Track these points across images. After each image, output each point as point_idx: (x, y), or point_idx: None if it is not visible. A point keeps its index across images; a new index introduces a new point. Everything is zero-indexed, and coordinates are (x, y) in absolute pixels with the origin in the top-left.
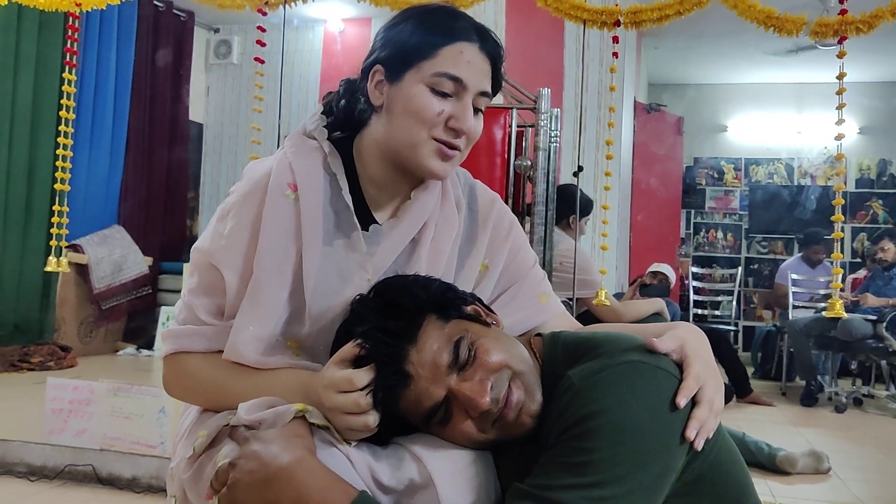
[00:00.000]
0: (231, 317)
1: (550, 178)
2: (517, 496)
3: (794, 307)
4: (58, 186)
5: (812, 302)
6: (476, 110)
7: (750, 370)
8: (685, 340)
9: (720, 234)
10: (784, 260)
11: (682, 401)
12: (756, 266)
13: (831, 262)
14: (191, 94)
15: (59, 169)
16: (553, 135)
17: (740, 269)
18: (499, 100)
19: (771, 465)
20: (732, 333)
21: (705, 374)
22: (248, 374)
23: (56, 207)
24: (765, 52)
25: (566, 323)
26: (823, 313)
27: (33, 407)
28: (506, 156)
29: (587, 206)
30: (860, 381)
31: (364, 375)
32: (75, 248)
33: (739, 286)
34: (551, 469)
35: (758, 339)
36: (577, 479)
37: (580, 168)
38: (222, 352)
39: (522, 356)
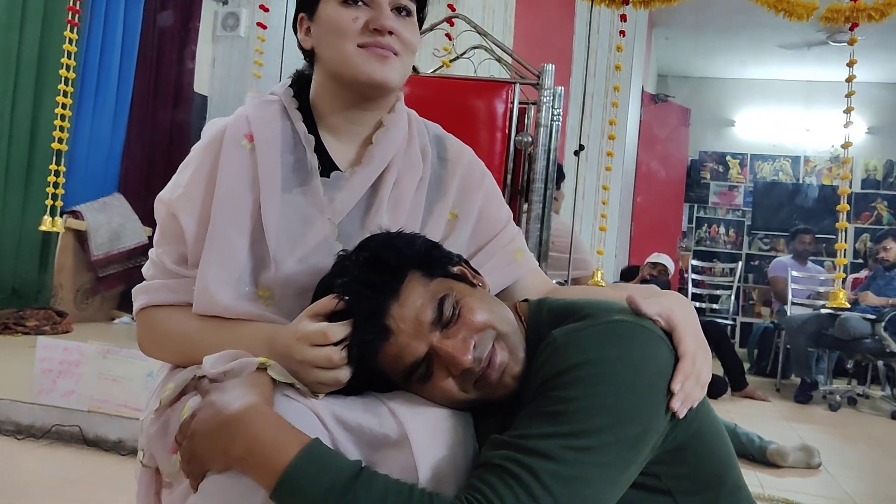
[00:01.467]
0: (195, 264)
1: (551, 156)
2: (494, 446)
3: (793, 304)
4: (55, 146)
5: (810, 300)
6: (404, 11)
7: (745, 366)
8: (672, 310)
9: (722, 230)
10: None
11: (677, 385)
12: (757, 263)
13: (823, 262)
14: (196, 65)
15: (58, 128)
16: (556, 113)
17: (740, 263)
18: (503, 74)
19: (761, 457)
20: (730, 328)
21: (696, 348)
22: (216, 327)
23: (53, 167)
24: (776, 45)
25: (539, 280)
26: (825, 305)
27: (24, 368)
28: (507, 131)
29: (558, 177)
30: (855, 382)
31: (340, 330)
32: (75, 214)
33: (739, 282)
34: (529, 420)
35: (755, 335)
36: (554, 427)
37: (581, 147)
38: (192, 306)
39: (507, 318)
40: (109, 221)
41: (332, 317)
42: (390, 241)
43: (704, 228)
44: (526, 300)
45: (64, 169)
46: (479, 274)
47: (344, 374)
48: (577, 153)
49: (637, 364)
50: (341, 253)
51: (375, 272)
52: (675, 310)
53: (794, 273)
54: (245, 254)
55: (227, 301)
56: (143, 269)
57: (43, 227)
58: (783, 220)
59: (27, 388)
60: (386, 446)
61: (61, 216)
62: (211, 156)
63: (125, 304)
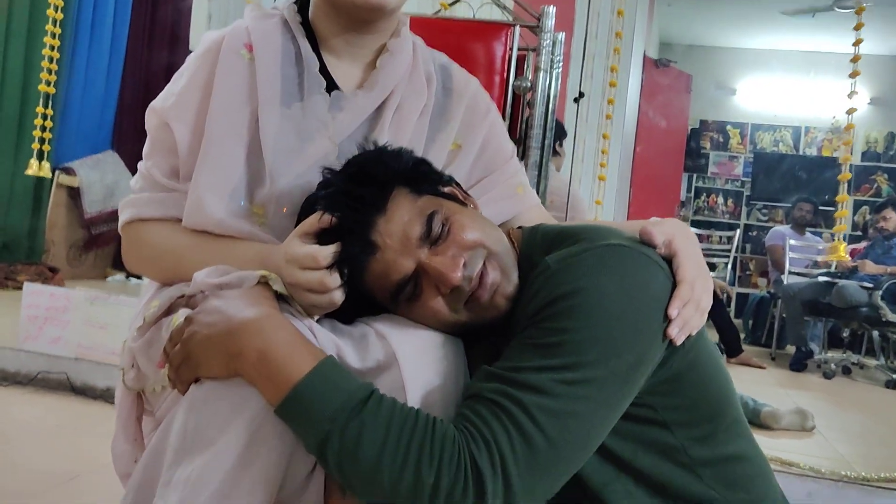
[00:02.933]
0: (187, 178)
1: (551, 104)
2: (484, 378)
3: (790, 273)
4: (43, 88)
5: (807, 269)
6: None
7: (741, 336)
8: (674, 237)
9: (721, 200)
10: None
11: (675, 311)
12: (755, 233)
13: (821, 233)
14: (192, 23)
15: (46, 70)
16: (556, 59)
17: (738, 232)
18: (501, 17)
19: (755, 419)
20: (725, 297)
21: (696, 274)
22: (206, 243)
23: (40, 110)
24: (780, 12)
25: (542, 215)
26: (826, 257)
27: (11, 319)
28: (505, 75)
29: (560, 132)
30: (850, 352)
31: (329, 252)
32: (67, 171)
33: (736, 252)
34: (521, 351)
35: (750, 305)
36: (547, 360)
37: (581, 94)
38: (181, 221)
39: (499, 238)
40: (103, 179)
41: (322, 236)
42: (377, 155)
43: (703, 198)
44: (520, 227)
45: (52, 112)
46: (470, 196)
47: (338, 297)
48: (577, 100)
49: (632, 291)
50: (327, 170)
51: (361, 185)
52: (676, 235)
53: (793, 242)
54: (241, 166)
55: (219, 215)
56: (132, 182)
57: (30, 172)
58: (782, 191)
59: (12, 336)
60: (373, 368)
61: (53, 171)
62: (207, 65)
63: (119, 263)
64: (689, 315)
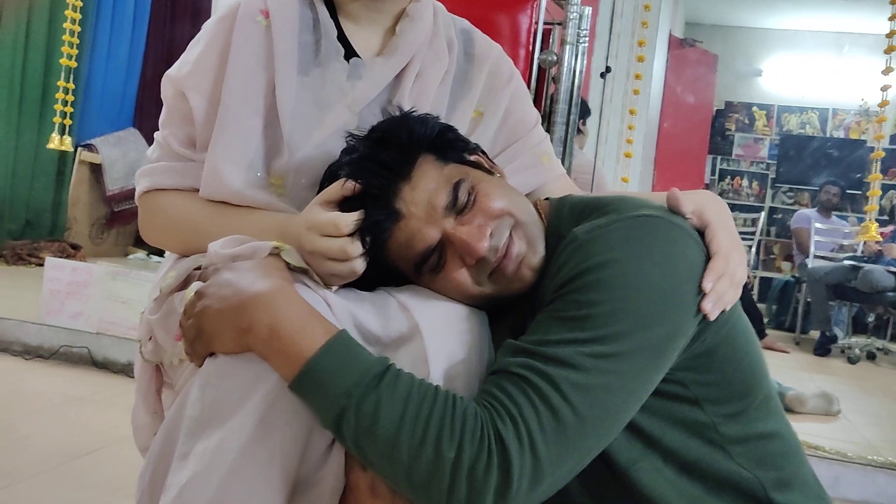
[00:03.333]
0: (203, 147)
1: (577, 79)
2: (510, 352)
3: (815, 257)
4: (64, 62)
5: (833, 253)
6: None
7: (765, 320)
8: (705, 206)
9: (745, 182)
10: None
11: (709, 284)
12: (780, 216)
13: (847, 217)
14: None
15: (67, 44)
16: (582, 32)
17: (763, 215)
18: None
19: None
20: (749, 280)
21: (730, 246)
22: (223, 213)
23: (61, 83)
24: None
25: (567, 186)
26: (855, 239)
27: (34, 294)
28: (530, 48)
29: (584, 109)
30: (874, 337)
31: (351, 219)
32: (89, 148)
33: (761, 235)
34: (547, 324)
35: (774, 289)
36: (575, 333)
37: (608, 69)
38: (198, 191)
39: (526, 208)
40: (125, 156)
41: (344, 203)
42: (402, 121)
43: (727, 180)
44: (547, 198)
45: (73, 86)
46: (496, 164)
47: (359, 265)
48: (603, 75)
49: (664, 263)
50: (350, 137)
51: (386, 151)
52: (708, 206)
53: (818, 225)
54: (258, 136)
55: (236, 186)
56: (148, 152)
57: (51, 146)
58: (808, 174)
59: (35, 310)
60: (395, 341)
61: (75, 149)
62: (223, 32)
63: (141, 241)
64: (723, 289)
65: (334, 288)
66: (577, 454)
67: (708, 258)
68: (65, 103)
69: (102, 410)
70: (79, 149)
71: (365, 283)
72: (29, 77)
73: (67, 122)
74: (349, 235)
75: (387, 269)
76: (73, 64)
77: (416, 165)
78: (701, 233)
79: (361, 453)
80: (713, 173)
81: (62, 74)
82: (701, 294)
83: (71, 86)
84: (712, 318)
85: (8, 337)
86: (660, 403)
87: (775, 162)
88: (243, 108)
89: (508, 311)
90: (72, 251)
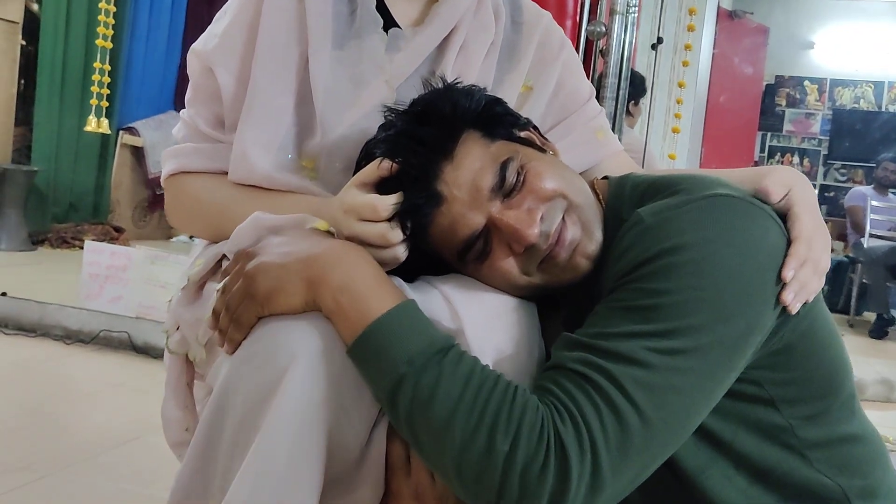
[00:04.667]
0: (232, 127)
1: (626, 51)
2: (565, 346)
3: (870, 236)
4: (100, 43)
5: (890, 232)
6: None
7: None
8: (792, 187)
9: (796, 159)
10: None
11: (790, 273)
12: (832, 194)
13: None
14: None
15: (103, 24)
16: (632, 1)
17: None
18: None
19: None
20: None
21: (814, 230)
22: (252, 196)
23: (97, 65)
24: None
25: (626, 163)
26: None
27: (76, 276)
28: (577, 19)
29: (640, 86)
30: None
31: (390, 202)
32: (131, 131)
33: None
34: (608, 316)
35: None
36: (639, 326)
37: (659, 40)
38: (227, 174)
39: (582, 189)
40: (166, 139)
41: (382, 185)
42: (446, 93)
43: (777, 158)
44: (606, 177)
45: (109, 68)
46: (549, 141)
47: (401, 252)
48: (654, 47)
49: (742, 248)
50: (388, 111)
51: (426, 126)
52: (792, 185)
53: (874, 203)
54: (289, 116)
55: (266, 169)
56: (174, 131)
57: (88, 128)
58: (862, 151)
59: (76, 294)
60: None
61: (117, 132)
62: (252, 2)
63: None
64: (806, 278)
65: None
66: (642, 462)
67: (789, 243)
68: (101, 85)
69: (140, 397)
70: (120, 132)
71: (407, 271)
72: (70, 61)
73: (105, 104)
74: (389, 220)
75: (430, 257)
76: (109, 45)
77: (459, 143)
78: (782, 215)
79: (412, 432)
80: (762, 150)
81: (97, 55)
82: (781, 284)
83: (107, 67)
84: (794, 310)
85: (49, 321)
86: (731, 404)
87: (828, 138)
88: (273, 86)
89: (562, 303)
90: (115, 234)
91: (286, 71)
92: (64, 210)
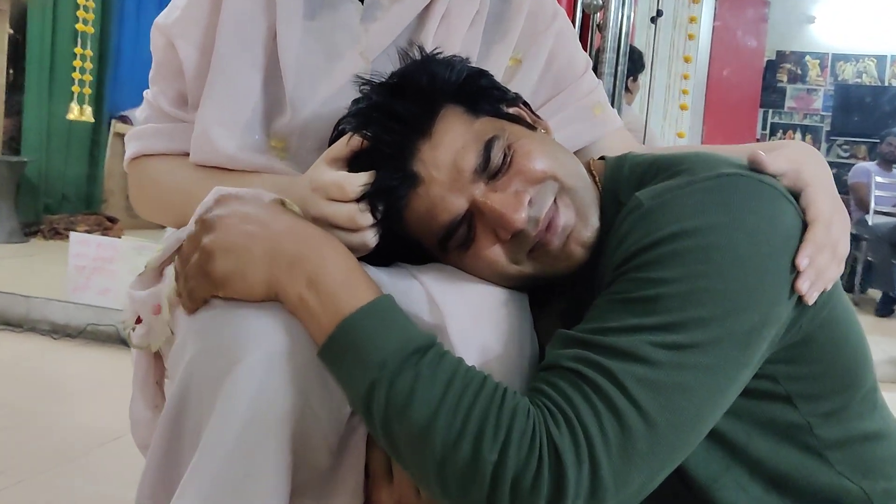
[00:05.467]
0: (195, 105)
1: (625, 25)
2: (561, 343)
3: (875, 213)
4: (80, 27)
5: (895, 208)
6: None
7: None
8: (801, 163)
9: (798, 136)
10: None
11: (805, 259)
12: (835, 171)
13: None
14: None
15: (83, 8)
16: None
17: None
18: None
19: None
20: None
21: (831, 211)
22: (216, 179)
23: (78, 50)
24: None
25: (626, 141)
26: None
27: (65, 269)
28: None
29: (638, 61)
30: None
31: (360, 180)
32: (123, 119)
33: None
34: (607, 310)
35: None
36: (642, 318)
37: (659, 13)
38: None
39: (576, 170)
40: None
41: (354, 163)
42: (423, 64)
43: (779, 135)
44: (602, 158)
45: (91, 53)
46: (540, 118)
47: (371, 238)
48: (653, 20)
49: (754, 231)
50: (363, 84)
51: (402, 99)
52: (805, 162)
53: (879, 179)
54: (256, 93)
55: (230, 150)
56: (137, 112)
57: (71, 116)
58: (865, 126)
59: (63, 287)
60: None
61: (109, 120)
62: None
63: None
64: (823, 264)
65: None
66: (648, 470)
67: (804, 226)
68: (83, 71)
69: (126, 394)
70: (112, 120)
71: (381, 259)
72: (59, 49)
73: (87, 91)
74: (359, 201)
75: (408, 244)
76: (91, 30)
77: (438, 118)
78: (796, 195)
79: (390, 441)
80: (764, 127)
81: (78, 41)
82: (796, 271)
83: (89, 53)
84: (810, 300)
85: (35, 315)
86: (744, 403)
87: (830, 114)
88: (239, 60)
89: (557, 293)
90: (109, 224)
91: (253, 43)
92: (57, 201)
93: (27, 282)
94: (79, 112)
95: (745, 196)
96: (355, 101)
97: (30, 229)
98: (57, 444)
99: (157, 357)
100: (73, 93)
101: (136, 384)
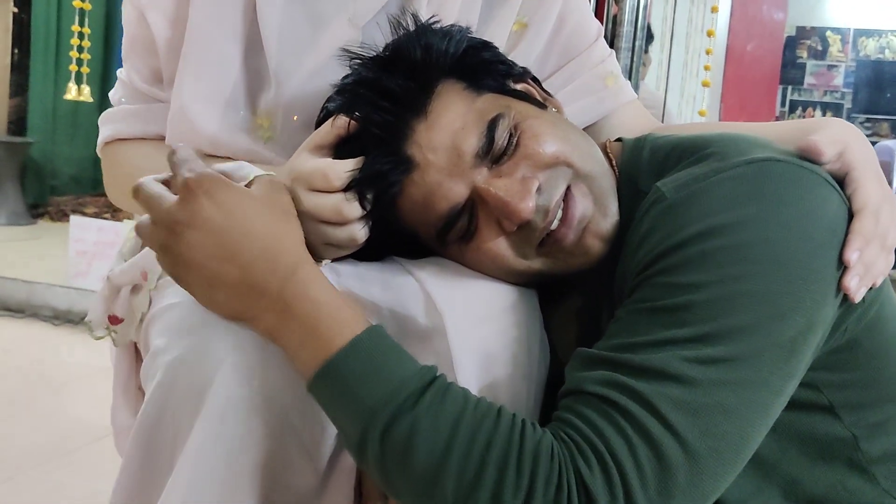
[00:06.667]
0: (171, 82)
1: None
2: (582, 363)
3: None
4: (76, 3)
5: None
6: None
7: None
8: (847, 144)
9: (818, 114)
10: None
11: (854, 254)
12: None
13: None
14: None
15: None
16: None
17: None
18: None
19: None
20: None
21: (880, 198)
22: None
23: (75, 28)
24: None
25: (640, 116)
26: None
27: (67, 252)
28: None
29: (648, 34)
30: None
31: (346, 166)
32: None
33: None
34: (633, 322)
35: None
36: (672, 330)
37: None
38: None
39: (592, 153)
40: None
41: (341, 148)
42: (418, 34)
43: (798, 112)
44: (619, 139)
45: (88, 31)
46: (551, 96)
47: (359, 232)
48: None
49: (796, 224)
50: (353, 55)
51: (393, 75)
52: (850, 143)
53: None
54: (236, 66)
55: (210, 130)
56: (111, 93)
57: (68, 96)
58: (888, 103)
59: (65, 273)
60: (411, 337)
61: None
62: None
63: None
64: (871, 258)
65: (327, 261)
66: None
67: (850, 215)
68: (81, 50)
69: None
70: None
71: (372, 252)
72: (64, 27)
73: (85, 70)
74: (346, 190)
75: (402, 236)
76: (88, 6)
77: (434, 95)
78: (839, 180)
79: (390, 486)
80: (783, 104)
81: (76, 18)
82: (843, 267)
83: (87, 30)
84: (857, 298)
85: (37, 301)
86: (781, 415)
87: (851, 91)
88: (216, 30)
89: (571, 288)
90: (117, 206)
91: (231, 11)
92: (64, 182)
93: (31, 265)
94: (77, 92)
95: (782, 184)
96: (344, 78)
97: (37, 211)
98: (51, 438)
99: (139, 359)
100: (81, 73)
101: (118, 388)
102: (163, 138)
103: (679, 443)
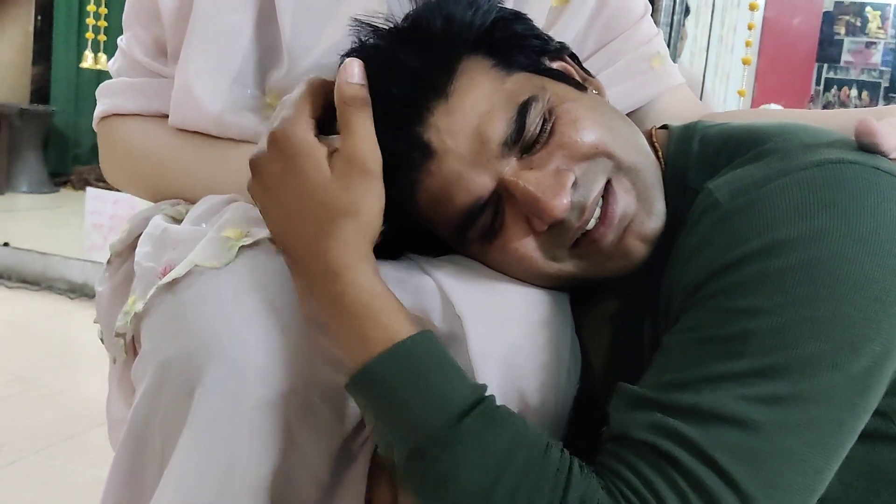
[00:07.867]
0: (175, 55)
1: None
2: (627, 403)
3: None
4: None
5: None
6: None
7: None
8: None
9: (854, 92)
10: None
11: None
12: None
13: None
14: None
15: None
16: None
17: None
18: None
19: None
20: None
21: None
22: (196, 147)
23: None
24: None
25: (687, 101)
26: None
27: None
28: None
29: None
30: None
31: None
32: None
33: None
34: (681, 352)
35: None
36: (728, 364)
37: None
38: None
39: (637, 143)
40: None
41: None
42: (442, 4)
43: (833, 91)
44: (665, 126)
45: None
46: (592, 76)
47: None
48: None
49: (872, 240)
50: (369, 27)
51: (410, 50)
52: None
53: None
54: (246, 39)
55: (216, 109)
56: (110, 63)
57: (84, 64)
58: None
59: (80, 244)
60: None
61: None
62: None
63: None
64: None
65: None
66: None
67: None
68: (97, 17)
69: None
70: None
71: (386, 249)
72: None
73: (102, 37)
74: None
75: (419, 232)
76: None
77: (457, 74)
78: None
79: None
80: (818, 83)
81: None
82: None
83: None
84: None
85: (52, 274)
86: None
87: (889, 69)
88: (225, 1)
89: (606, 289)
90: None
91: None
92: (86, 151)
93: (50, 236)
94: (94, 60)
95: (857, 191)
96: (349, 52)
97: (59, 179)
98: (58, 419)
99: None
100: (86, 40)
101: (113, 379)
102: (164, 116)
103: (739, 498)
